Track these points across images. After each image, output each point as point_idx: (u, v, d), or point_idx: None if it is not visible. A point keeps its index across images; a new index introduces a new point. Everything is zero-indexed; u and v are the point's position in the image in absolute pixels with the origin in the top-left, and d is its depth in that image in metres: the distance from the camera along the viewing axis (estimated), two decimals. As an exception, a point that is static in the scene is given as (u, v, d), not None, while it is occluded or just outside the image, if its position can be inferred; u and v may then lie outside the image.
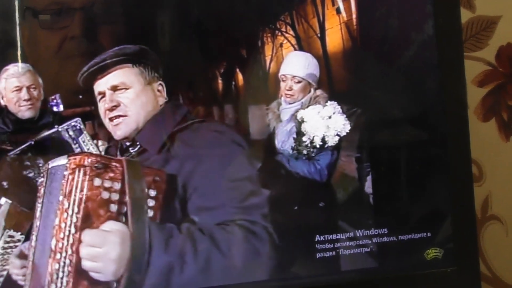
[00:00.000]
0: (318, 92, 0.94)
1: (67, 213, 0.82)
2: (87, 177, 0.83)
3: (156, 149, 0.89)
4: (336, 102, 0.93)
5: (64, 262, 0.81)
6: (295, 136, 0.93)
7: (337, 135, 0.92)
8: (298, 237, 0.92)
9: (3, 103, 0.86)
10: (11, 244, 0.86)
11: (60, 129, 0.87)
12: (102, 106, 0.89)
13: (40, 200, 0.85)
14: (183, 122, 0.91)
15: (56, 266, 0.81)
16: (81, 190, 0.82)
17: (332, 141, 0.92)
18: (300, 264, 0.92)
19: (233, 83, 0.92)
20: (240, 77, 0.92)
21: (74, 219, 0.82)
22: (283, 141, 0.93)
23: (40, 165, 0.86)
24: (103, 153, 0.90)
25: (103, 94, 0.89)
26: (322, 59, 0.93)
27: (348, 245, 0.93)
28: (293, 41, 0.93)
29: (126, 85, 0.89)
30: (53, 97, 0.87)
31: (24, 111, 0.86)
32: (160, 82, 0.91)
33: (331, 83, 0.94)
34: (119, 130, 0.89)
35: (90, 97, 0.88)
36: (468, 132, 0.97)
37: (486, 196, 1.26)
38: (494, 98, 1.25)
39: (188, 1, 0.91)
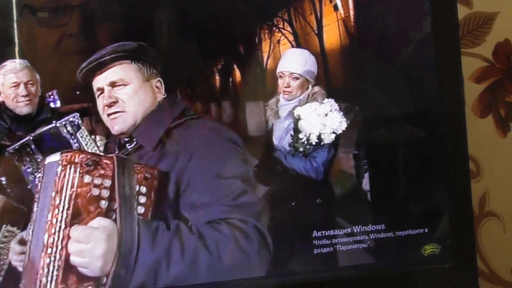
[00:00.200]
0: (316, 89, 0.94)
1: (58, 209, 0.83)
2: (78, 174, 0.83)
3: (152, 146, 0.90)
4: (333, 100, 0.93)
5: (55, 257, 0.82)
6: (292, 133, 0.93)
7: (333, 132, 0.92)
8: (295, 233, 0.92)
9: (0, 99, 0.86)
10: (10, 239, 0.86)
11: (58, 125, 0.87)
12: (100, 102, 0.89)
13: (37, 195, 0.86)
14: (180, 118, 0.91)
15: (47, 260, 0.82)
16: (72, 187, 0.83)
17: (328, 138, 0.92)
18: (298, 260, 0.92)
19: (231, 79, 0.93)
20: (237, 73, 0.92)
21: (65, 215, 0.83)
22: (281, 138, 0.93)
23: (39, 160, 0.87)
24: (102, 148, 0.90)
25: (101, 90, 0.89)
26: (319, 56, 0.93)
27: (345, 241, 0.93)
28: (291, 37, 0.93)
29: (124, 81, 0.89)
30: (50, 93, 0.87)
31: (22, 107, 0.87)
32: (158, 78, 0.91)
33: (329, 80, 0.94)
34: (117, 125, 0.89)
35: (88, 93, 0.89)
36: (466, 128, 0.97)
37: (484, 192, 1.26)
38: (491, 95, 1.25)
39: (186, -2, 0.91)
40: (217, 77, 0.92)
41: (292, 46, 0.93)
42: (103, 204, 0.84)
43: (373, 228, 0.94)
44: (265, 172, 0.91)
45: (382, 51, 0.95)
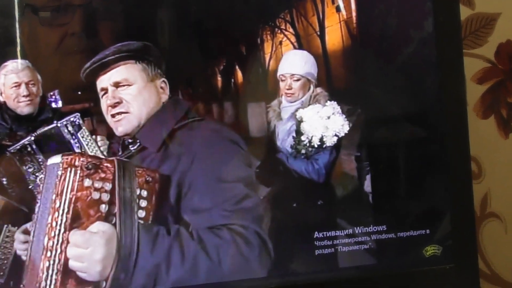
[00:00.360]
0: (319, 90, 0.94)
1: (58, 212, 0.83)
2: (78, 177, 0.83)
3: (156, 147, 0.89)
4: (335, 102, 0.92)
5: (54, 261, 0.82)
6: (294, 135, 0.93)
7: (336, 135, 0.92)
8: (297, 234, 0.92)
9: (2, 99, 0.86)
10: (12, 239, 0.86)
11: (59, 125, 0.87)
12: (104, 102, 0.88)
13: (39, 196, 0.86)
14: (183, 120, 0.90)
15: (47, 263, 0.82)
16: (72, 190, 0.83)
17: (330, 141, 0.92)
18: (299, 261, 0.92)
19: (233, 80, 0.92)
20: (239, 74, 0.92)
21: (64, 219, 0.82)
22: (283, 140, 0.93)
23: (40, 160, 0.87)
24: (103, 148, 0.89)
25: (105, 90, 0.88)
26: (321, 57, 0.93)
27: (347, 242, 0.93)
28: (293, 39, 0.93)
29: (128, 82, 0.89)
30: (51, 93, 0.87)
31: (23, 107, 0.86)
32: (163, 79, 0.90)
33: (331, 81, 0.94)
34: (121, 126, 0.89)
35: (90, 93, 0.88)
36: (467, 129, 0.97)
37: (485, 193, 1.26)
38: (493, 95, 1.25)
39: (188, -2, 0.91)
40: (219, 78, 0.92)
41: (294, 48, 0.93)
42: (103, 208, 0.83)
43: (375, 229, 0.94)
44: (267, 174, 0.91)
45: (384, 52, 0.95)
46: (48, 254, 0.82)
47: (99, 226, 0.83)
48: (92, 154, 0.88)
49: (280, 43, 0.92)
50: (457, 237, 0.96)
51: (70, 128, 0.88)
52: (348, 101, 0.93)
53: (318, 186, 0.93)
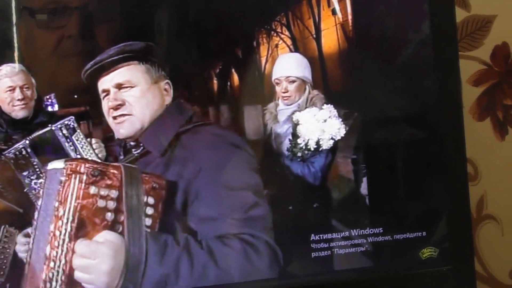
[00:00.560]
0: (315, 92, 0.94)
1: (62, 221, 0.80)
2: (83, 184, 0.80)
3: (160, 152, 0.87)
4: (332, 106, 0.92)
5: (58, 272, 0.80)
6: (290, 137, 0.93)
7: (332, 138, 0.92)
8: (293, 237, 0.92)
9: (-4, 104, 0.86)
10: (11, 239, 0.86)
11: (53, 128, 0.87)
12: (105, 104, 0.87)
13: (39, 202, 0.84)
14: (188, 124, 0.88)
15: (50, 275, 0.80)
16: (77, 198, 0.80)
17: (326, 144, 0.92)
18: (295, 263, 0.92)
19: (229, 83, 0.92)
20: (235, 77, 0.92)
21: (69, 228, 0.80)
22: (279, 142, 0.93)
23: (35, 163, 0.86)
24: (98, 151, 0.88)
25: (107, 92, 0.87)
26: (317, 60, 0.93)
27: (343, 245, 0.93)
28: (289, 42, 0.92)
29: (131, 83, 0.87)
30: (48, 96, 0.86)
31: (18, 111, 0.86)
32: (167, 81, 0.89)
33: (327, 84, 0.94)
34: (123, 129, 0.87)
35: (86, 96, 0.88)
36: (464, 131, 0.97)
37: (482, 195, 1.26)
38: (489, 98, 1.25)
39: (184, 1, 0.90)
40: (215, 81, 0.91)
41: (290, 50, 0.93)
42: (109, 216, 0.81)
43: (371, 231, 0.94)
44: (263, 176, 0.91)
45: (380, 55, 0.95)
46: (51, 264, 0.79)
47: (106, 236, 0.80)
48: (87, 157, 0.87)
49: (276, 46, 0.92)
50: (454, 239, 0.96)
51: (64, 131, 0.87)
52: (345, 104, 0.93)
53: (314, 188, 0.93)
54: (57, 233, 0.80)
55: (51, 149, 0.87)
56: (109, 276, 0.80)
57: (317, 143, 0.92)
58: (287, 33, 0.92)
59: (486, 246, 1.26)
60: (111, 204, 0.81)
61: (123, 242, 0.81)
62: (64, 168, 0.81)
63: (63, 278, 0.79)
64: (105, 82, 0.87)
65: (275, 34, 0.92)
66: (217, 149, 0.89)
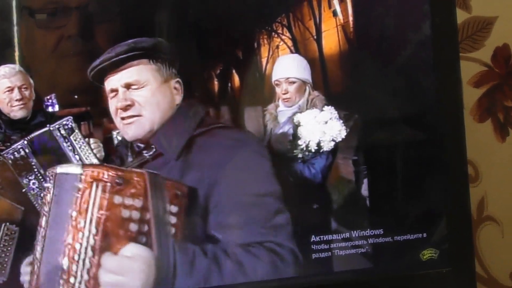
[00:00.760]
0: (316, 93, 0.93)
1: (83, 233, 0.75)
2: (107, 194, 0.75)
3: (175, 155, 0.84)
4: (333, 107, 0.92)
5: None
6: (291, 138, 0.93)
7: (333, 140, 0.92)
8: (294, 238, 0.91)
9: (-5, 104, 0.86)
10: (12, 236, 0.85)
11: (51, 128, 0.86)
12: (113, 104, 0.84)
13: (46, 208, 0.80)
14: (202, 125, 0.85)
15: None
16: (100, 209, 0.75)
17: (327, 146, 0.92)
18: (296, 264, 0.92)
19: (229, 84, 0.91)
20: (236, 78, 0.91)
21: (92, 241, 0.75)
22: (280, 143, 0.93)
23: (33, 163, 0.85)
24: (96, 151, 0.86)
25: (116, 92, 0.84)
26: (318, 62, 0.93)
27: (343, 246, 0.93)
28: (290, 43, 0.92)
29: (141, 83, 0.84)
30: (48, 97, 0.86)
31: (16, 111, 0.86)
32: (177, 79, 0.86)
33: (328, 85, 0.94)
34: (131, 130, 0.84)
35: (86, 96, 0.87)
36: (464, 132, 0.97)
37: (482, 196, 1.26)
38: (490, 99, 1.25)
39: (185, 2, 0.90)
40: (216, 82, 0.90)
41: (291, 52, 0.92)
42: (133, 227, 0.76)
43: (372, 233, 0.94)
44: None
45: (381, 56, 0.95)
46: (71, 280, 0.74)
47: (133, 250, 0.76)
48: (85, 157, 0.85)
49: (277, 47, 0.91)
50: (454, 240, 0.96)
51: (62, 132, 0.86)
52: (345, 106, 0.93)
53: (315, 190, 0.93)
54: (77, 245, 0.75)
55: (49, 149, 0.86)
56: None
57: (318, 144, 0.92)
58: (288, 34, 0.92)
59: (486, 247, 1.26)
60: (135, 214, 0.76)
61: (152, 255, 0.77)
62: (81, 174, 0.77)
63: None
64: (113, 81, 0.84)
65: (276, 35, 0.91)
66: (238, 155, 0.86)
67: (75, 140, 0.87)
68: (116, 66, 0.83)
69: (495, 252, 1.26)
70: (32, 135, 0.86)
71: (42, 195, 0.84)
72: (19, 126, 0.86)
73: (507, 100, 1.25)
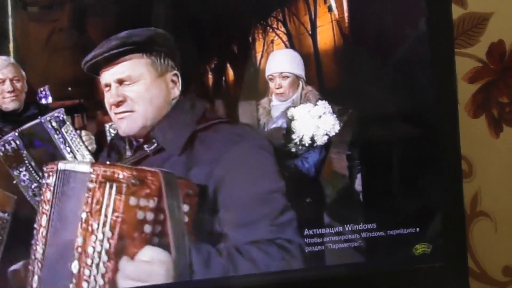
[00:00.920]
0: (309, 87, 0.93)
1: (96, 236, 0.72)
2: (123, 195, 0.71)
3: (178, 150, 0.82)
4: (326, 102, 0.92)
5: None
6: (284, 133, 0.92)
7: (326, 134, 0.92)
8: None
9: (-14, 97, 0.86)
10: (2, 225, 0.84)
11: (42, 120, 0.86)
12: (107, 99, 0.83)
13: (46, 207, 0.78)
14: (203, 120, 0.84)
15: None
16: (115, 211, 0.71)
17: (321, 140, 0.92)
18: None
19: (224, 78, 0.91)
20: (230, 72, 0.91)
21: (106, 245, 0.72)
22: (273, 137, 0.93)
23: (24, 155, 0.85)
24: (88, 143, 0.85)
25: (109, 86, 0.83)
26: (313, 57, 0.93)
27: (336, 240, 0.93)
28: (284, 38, 0.92)
29: (133, 79, 0.82)
30: (42, 89, 0.86)
31: (8, 103, 0.86)
32: (175, 71, 0.84)
33: (322, 80, 0.93)
34: (123, 125, 0.83)
35: (80, 89, 0.86)
36: (458, 128, 0.97)
37: (476, 192, 1.26)
38: (484, 95, 1.25)
39: (180, -4, 0.90)
40: (210, 76, 0.90)
41: (286, 47, 0.92)
42: (147, 228, 0.73)
43: (365, 227, 0.94)
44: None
45: (376, 52, 0.95)
46: (84, 284, 0.71)
47: (151, 253, 0.74)
48: (76, 150, 0.84)
49: (272, 42, 0.91)
50: (447, 235, 0.97)
51: (54, 124, 0.86)
52: (339, 101, 0.92)
53: (308, 184, 0.93)
54: (90, 249, 0.72)
55: (40, 141, 0.86)
56: None
57: (312, 138, 0.91)
58: (283, 29, 0.91)
59: (479, 242, 1.26)
60: (149, 216, 0.73)
61: (170, 257, 0.75)
62: (91, 173, 0.74)
63: None
64: (107, 76, 0.83)
65: (271, 30, 0.91)
66: (244, 151, 0.85)
67: (66, 132, 0.86)
68: (108, 61, 0.82)
69: (488, 247, 1.26)
70: (23, 127, 0.85)
71: (33, 187, 0.83)
72: (11, 118, 0.86)
73: (501, 96, 1.25)
